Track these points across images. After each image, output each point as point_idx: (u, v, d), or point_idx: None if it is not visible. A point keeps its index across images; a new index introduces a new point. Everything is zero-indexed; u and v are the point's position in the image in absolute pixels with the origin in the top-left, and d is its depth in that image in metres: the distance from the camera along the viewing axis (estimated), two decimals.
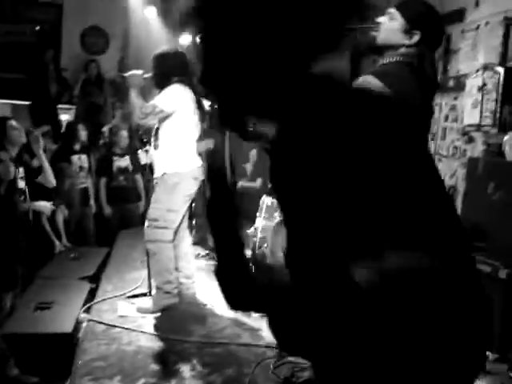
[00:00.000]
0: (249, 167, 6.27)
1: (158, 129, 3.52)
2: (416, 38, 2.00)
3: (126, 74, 3.47)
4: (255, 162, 6.12)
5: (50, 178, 4.08)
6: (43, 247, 4.40)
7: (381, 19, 2.06)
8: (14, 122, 3.93)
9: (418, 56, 1.99)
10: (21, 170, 3.86)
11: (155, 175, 3.53)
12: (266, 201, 4.36)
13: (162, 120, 3.45)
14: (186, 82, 3.47)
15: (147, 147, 3.94)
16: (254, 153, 6.27)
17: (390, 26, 2.04)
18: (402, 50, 2.00)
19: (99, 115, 6.75)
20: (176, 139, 3.43)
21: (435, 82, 2.10)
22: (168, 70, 3.44)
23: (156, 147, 3.50)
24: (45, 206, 3.92)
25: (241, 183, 5.56)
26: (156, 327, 3.24)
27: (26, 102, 6.80)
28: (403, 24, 2.01)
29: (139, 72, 3.45)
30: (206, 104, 3.54)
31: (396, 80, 1.91)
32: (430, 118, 2.09)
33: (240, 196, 5.26)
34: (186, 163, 3.41)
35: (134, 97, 3.36)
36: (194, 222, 4.79)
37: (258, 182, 5.63)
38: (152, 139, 3.62)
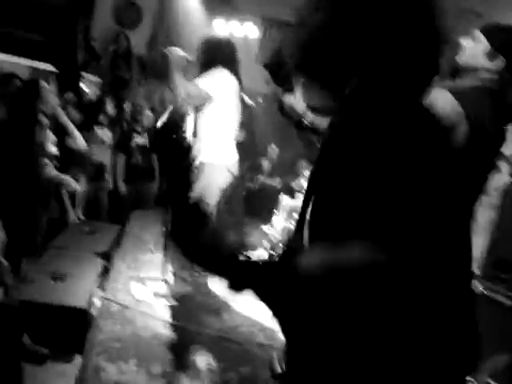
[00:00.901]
0: (266, 164, 6.23)
1: (196, 115, 3.47)
2: (499, 63, 1.95)
3: (168, 52, 3.34)
4: (274, 160, 6.09)
5: (79, 141, 4.03)
6: (58, 216, 4.34)
7: (464, 41, 2.01)
8: (46, 84, 3.88)
9: (500, 82, 1.94)
10: (51, 134, 3.81)
11: (194, 164, 3.48)
12: (285, 200, 4.32)
13: (200, 106, 3.39)
14: (232, 71, 3.42)
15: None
16: (271, 149, 6.24)
17: (473, 49, 1.99)
18: (484, 74, 1.95)
19: (124, 90, 6.67)
20: (215, 129, 3.39)
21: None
22: (219, 56, 3.38)
23: (194, 134, 3.46)
24: (70, 181, 3.84)
25: (261, 178, 5.52)
26: (171, 315, 3.20)
27: (49, 67, 6.72)
28: (487, 48, 1.96)
29: (182, 52, 3.33)
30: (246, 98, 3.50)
31: (471, 103, 1.87)
32: (499, 145, 2.05)
33: (258, 192, 5.23)
34: (222, 155, 3.37)
35: (178, 77, 3.24)
36: None
37: (278, 181, 5.60)
38: (187, 126, 3.57)
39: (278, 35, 7.56)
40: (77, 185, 3.91)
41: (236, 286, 1.08)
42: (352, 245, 0.99)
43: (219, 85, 3.32)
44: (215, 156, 3.35)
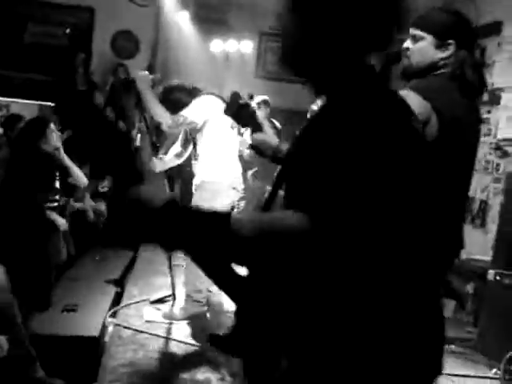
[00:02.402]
0: None
1: (193, 138, 3.50)
2: (451, 47, 1.90)
3: (133, 76, 3.39)
4: None
5: (79, 178, 4.08)
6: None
7: (406, 44, 1.96)
8: (53, 126, 3.96)
9: (459, 63, 1.90)
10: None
11: (194, 182, 3.49)
12: None
13: (193, 131, 3.44)
14: (215, 94, 3.46)
15: (161, 155, 3.89)
16: None
17: (419, 47, 1.93)
18: (441, 63, 1.92)
19: (127, 119, 6.75)
20: (215, 149, 3.41)
21: (480, 85, 1.99)
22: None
23: (196, 157, 3.49)
24: (61, 222, 3.85)
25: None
26: (183, 335, 3.20)
27: (52, 104, 6.86)
28: (432, 40, 1.92)
29: (146, 72, 3.37)
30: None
31: (435, 93, 1.84)
32: (475, 128, 2.00)
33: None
34: (224, 173, 3.39)
35: (152, 102, 3.28)
36: None
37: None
38: (183, 148, 3.62)
39: (274, 48, 7.62)
40: (65, 226, 3.91)
41: (167, 244, 1.01)
42: (287, 212, 1.03)
43: (202, 110, 3.35)
44: (216, 174, 3.36)
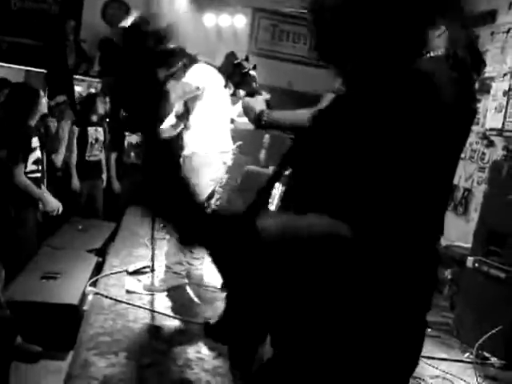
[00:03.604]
0: (262, 155, 6.22)
1: (187, 109, 3.46)
2: (442, 28, 1.91)
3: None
4: (268, 148, 6.07)
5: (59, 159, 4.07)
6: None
7: None
8: (41, 92, 3.91)
9: (452, 41, 1.90)
10: (35, 139, 3.82)
11: (184, 152, 3.46)
12: (280, 189, 4.30)
13: (192, 99, 3.39)
14: (209, 62, 3.43)
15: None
16: (266, 139, 6.22)
17: None
18: (434, 43, 1.92)
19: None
20: (208, 120, 3.38)
21: (475, 61, 1.99)
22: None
23: (188, 127, 3.45)
24: (54, 204, 3.82)
25: (252, 168, 5.48)
26: (162, 306, 3.21)
27: (41, 70, 6.75)
28: None
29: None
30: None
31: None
32: (466, 116, 2.00)
33: (250, 181, 5.20)
34: (216, 145, 3.36)
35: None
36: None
37: (271, 169, 5.56)
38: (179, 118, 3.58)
39: (267, 24, 7.54)
40: (58, 209, 3.88)
41: (187, 240, 1.08)
42: (314, 217, 1.02)
43: (202, 76, 3.32)
44: (208, 146, 3.34)
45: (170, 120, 3.67)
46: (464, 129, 1.99)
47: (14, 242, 3.63)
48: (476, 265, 3.42)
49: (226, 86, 3.43)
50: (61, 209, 3.82)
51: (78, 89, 7.00)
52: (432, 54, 1.95)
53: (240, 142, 3.63)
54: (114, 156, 5.60)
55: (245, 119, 4.00)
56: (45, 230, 4.21)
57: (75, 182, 5.07)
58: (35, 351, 2.94)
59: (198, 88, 3.30)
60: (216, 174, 3.39)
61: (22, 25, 7.01)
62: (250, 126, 3.82)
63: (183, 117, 3.55)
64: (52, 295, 3.15)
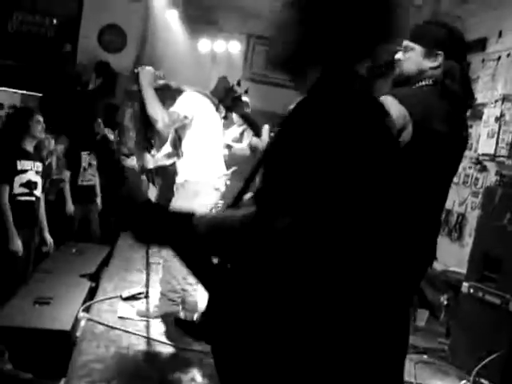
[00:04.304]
0: (258, 180, 6.22)
1: (179, 137, 3.46)
2: (440, 58, 1.95)
3: (137, 69, 3.33)
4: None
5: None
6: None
7: (398, 56, 2.03)
8: (39, 117, 3.90)
9: (445, 74, 1.94)
10: (38, 164, 3.84)
11: (177, 181, 3.45)
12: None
13: (182, 128, 3.39)
14: (199, 90, 3.44)
15: (153, 151, 3.86)
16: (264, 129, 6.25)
17: (409, 57, 2.00)
18: (429, 72, 1.96)
19: (115, 115, 6.69)
20: (199, 147, 3.38)
21: (466, 95, 2.03)
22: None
23: (180, 155, 3.45)
24: (16, 247, 3.72)
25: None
26: (156, 333, 3.17)
27: (37, 94, 6.77)
28: (421, 50, 1.98)
29: (150, 68, 3.31)
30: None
31: (414, 101, 1.87)
32: (458, 143, 2.01)
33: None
34: (208, 172, 3.36)
35: (150, 95, 3.23)
36: None
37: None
38: (165, 146, 3.59)
39: (262, 49, 7.63)
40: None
41: (141, 237, 1.16)
42: (241, 210, 1.13)
43: (192, 104, 3.32)
44: (200, 174, 3.33)
45: (166, 149, 3.67)
46: (450, 157, 2.01)
47: (6, 265, 3.62)
48: (471, 290, 3.42)
49: (217, 110, 3.47)
50: (20, 253, 3.74)
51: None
52: (424, 83, 1.99)
53: (235, 168, 3.63)
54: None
55: (241, 145, 4.04)
56: (39, 253, 4.19)
57: (69, 206, 5.05)
58: (26, 378, 2.88)
59: (185, 117, 3.29)
60: (208, 201, 3.38)
61: (18, 48, 7.06)
62: (247, 152, 3.84)
63: (178, 145, 3.57)
64: (44, 321, 3.10)
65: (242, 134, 4.81)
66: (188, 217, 1.11)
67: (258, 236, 1.01)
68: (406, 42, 2.00)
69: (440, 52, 1.93)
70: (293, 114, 1.10)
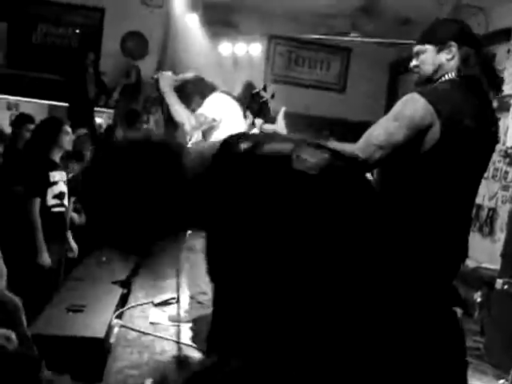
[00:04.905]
0: None
1: (205, 138, 3.47)
2: (453, 48, 1.93)
3: (156, 76, 3.37)
4: None
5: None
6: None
7: (412, 63, 2.02)
8: (68, 128, 3.96)
9: (463, 61, 1.91)
10: (63, 173, 3.89)
11: None
12: None
13: (209, 130, 3.39)
14: (226, 92, 3.43)
15: None
16: None
17: (423, 59, 1.99)
18: (446, 65, 1.94)
19: (137, 121, 6.77)
20: None
21: (491, 78, 1.99)
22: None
23: None
24: (45, 260, 3.74)
25: None
26: (188, 337, 3.19)
27: (64, 104, 6.88)
28: (433, 48, 1.96)
29: (169, 73, 3.34)
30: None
31: (441, 97, 1.84)
32: (487, 137, 1.97)
33: None
34: None
35: (175, 102, 3.25)
36: None
37: None
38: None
39: (283, 50, 7.62)
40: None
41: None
42: None
43: (219, 106, 3.33)
44: None
45: None
46: (480, 152, 1.97)
47: (37, 273, 3.68)
48: (505, 287, 3.35)
49: (244, 116, 3.46)
50: (47, 266, 3.77)
51: (98, 120, 7.13)
52: (446, 78, 1.96)
53: None
54: None
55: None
56: (70, 262, 4.26)
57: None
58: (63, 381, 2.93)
59: (214, 119, 3.29)
60: None
61: (43, 60, 7.20)
62: None
63: None
64: (78, 329, 3.15)
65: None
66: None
67: None
68: (416, 48, 2.01)
69: (451, 43, 1.92)
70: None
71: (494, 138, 2.02)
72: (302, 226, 0.95)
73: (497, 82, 2.13)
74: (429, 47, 1.96)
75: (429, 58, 1.97)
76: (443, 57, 1.95)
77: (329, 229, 0.95)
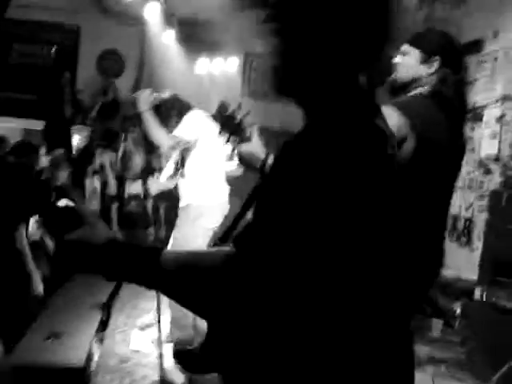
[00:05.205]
0: None
1: (183, 157, 3.47)
2: (436, 64, 1.96)
3: (135, 94, 3.38)
4: None
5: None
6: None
7: (396, 60, 2.03)
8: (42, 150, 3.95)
9: (440, 79, 1.94)
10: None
11: (180, 205, 3.46)
12: None
13: (186, 151, 3.40)
14: (203, 110, 3.45)
15: (157, 175, 3.87)
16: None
17: (406, 62, 2.01)
18: (424, 80, 1.96)
19: (115, 140, 6.74)
20: (203, 170, 3.38)
21: (461, 105, 2.03)
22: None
23: (182, 175, 3.45)
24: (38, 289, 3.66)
25: None
26: (170, 361, 3.16)
27: (38, 127, 6.82)
28: (419, 55, 1.99)
29: (147, 91, 3.34)
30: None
31: (415, 111, 1.87)
32: (457, 151, 2.01)
33: None
34: (211, 196, 3.36)
35: (153, 122, 3.25)
36: None
37: None
38: (173, 167, 3.58)
39: (260, 67, 7.65)
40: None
41: (107, 276, 1.10)
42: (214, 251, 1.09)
43: (194, 126, 3.34)
44: (202, 197, 3.34)
45: (169, 170, 3.68)
46: (451, 165, 2.01)
47: (18, 299, 3.61)
48: (483, 296, 3.38)
49: (220, 133, 3.47)
50: (40, 296, 3.68)
51: (75, 140, 7.08)
52: (421, 90, 1.99)
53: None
54: (114, 206, 5.63)
55: (232, 163, 3.99)
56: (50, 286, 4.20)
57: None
58: None
59: (189, 141, 3.31)
60: (213, 224, 3.37)
61: (19, 79, 7.15)
62: (238, 172, 3.81)
63: (180, 166, 3.57)
64: (57, 357, 3.10)
65: (233, 150, 4.81)
66: (155, 252, 1.06)
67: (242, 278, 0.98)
68: (404, 47, 2.02)
69: (437, 57, 1.94)
70: (292, 150, 1.04)
71: (462, 151, 2.07)
72: None
73: (466, 111, 2.16)
74: (414, 52, 1.99)
75: (410, 64, 1.99)
76: (424, 70, 1.98)
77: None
